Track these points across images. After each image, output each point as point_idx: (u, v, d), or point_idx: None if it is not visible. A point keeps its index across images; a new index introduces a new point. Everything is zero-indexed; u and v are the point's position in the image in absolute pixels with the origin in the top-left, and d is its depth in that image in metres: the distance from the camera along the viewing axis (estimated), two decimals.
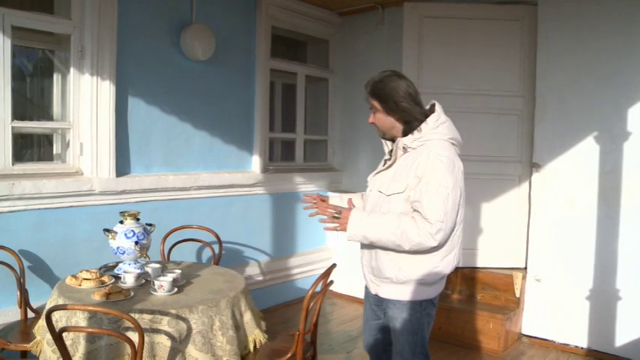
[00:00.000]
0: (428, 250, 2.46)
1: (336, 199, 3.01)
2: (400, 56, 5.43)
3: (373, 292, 2.72)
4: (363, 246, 2.71)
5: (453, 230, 2.49)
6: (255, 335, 2.93)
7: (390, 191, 2.54)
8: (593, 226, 4.39)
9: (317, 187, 5.85)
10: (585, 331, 4.42)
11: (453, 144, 2.56)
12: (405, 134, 2.58)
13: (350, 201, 2.80)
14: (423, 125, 2.53)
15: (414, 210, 2.44)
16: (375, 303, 2.78)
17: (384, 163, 2.71)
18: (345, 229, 2.56)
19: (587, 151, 4.41)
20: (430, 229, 2.38)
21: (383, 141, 2.76)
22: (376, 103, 2.61)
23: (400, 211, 2.49)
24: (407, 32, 4.87)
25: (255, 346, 2.91)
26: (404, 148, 2.56)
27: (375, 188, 2.67)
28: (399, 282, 2.56)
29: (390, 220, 2.46)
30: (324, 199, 2.75)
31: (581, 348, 4.45)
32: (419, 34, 4.84)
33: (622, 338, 4.25)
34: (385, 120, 2.61)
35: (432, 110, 2.59)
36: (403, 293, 2.58)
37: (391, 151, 2.70)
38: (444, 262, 2.55)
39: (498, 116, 4.87)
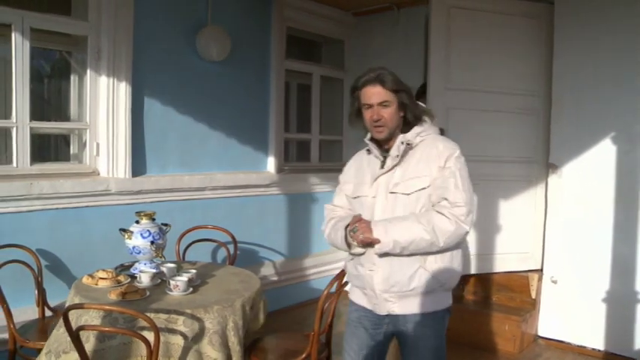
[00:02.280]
0: (462, 239, 2.35)
1: None
2: (414, 57, 5.44)
3: (384, 313, 2.43)
4: (371, 258, 2.40)
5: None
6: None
7: (411, 189, 2.36)
8: (610, 228, 4.34)
9: (332, 188, 5.82)
10: (602, 333, 4.37)
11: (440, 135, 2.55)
12: (403, 131, 2.45)
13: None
14: (424, 120, 2.47)
15: (443, 198, 2.32)
16: (374, 324, 2.50)
17: (382, 166, 2.47)
18: (363, 242, 2.36)
19: (604, 151, 4.36)
20: (459, 212, 2.27)
21: (371, 144, 2.54)
22: (391, 96, 2.39)
23: (420, 210, 2.35)
24: (434, 22, 4.61)
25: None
26: (408, 144, 2.41)
27: (382, 192, 2.43)
28: (426, 291, 2.36)
29: (416, 219, 2.30)
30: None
31: (598, 350, 4.39)
32: (447, 25, 4.63)
33: None
34: (396, 116, 2.42)
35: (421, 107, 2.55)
36: (429, 304, 2.39)
37: (386, 150, 2.48)
38: (463, 259, 2.48)
39: (516, 116, 4.80)
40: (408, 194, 2.36)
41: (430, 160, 2.36)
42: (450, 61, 4.64)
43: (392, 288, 2.37)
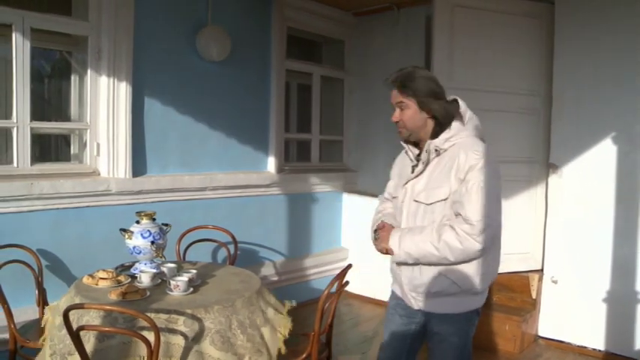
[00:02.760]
0: (475, 255, 2.30)
1: None
2: (415, 56, 5.43)
3: (416, 308, 2.49)
4: (401, 265, 2.49)
5: (498, 229, 2.38)
6: (282, 328, 2.92)
7: (432, 199, 2.36)
8: (610, 228, 4.34)
9: (332, 188, 5.85)
10: (603, 333, 4.37)
11: (482, 139, 2.43)
12: (434, 134, 2.40)
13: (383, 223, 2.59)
14: (453, 123, 2.38)
15: (457, 213, 2.29)
16: (408, 314, 2.57)
17: (412, 170, 2.49)
18: (382, 250, 2.47)
19: (604, 151, 4.36)
20: (471, 231, 2.24)
21: (405, 146, 2.55)
22: (407, 98, 2.39)
23: (441, 221, 2.35)
24: (438, 20, 4.61)
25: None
26: (436, 150, 2.38)
27: (408, 198, 2.46)
28: (449, 294, 2.38)
29: (430, 233, 2.31)
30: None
31: (599, 350, 4.39)
32: (450, 23, 4.63)
33: None
34: (417, 117, 2.39)
35: (455, 106, 2.45)
36: (452, 306, 2.42)
37: (418, 155, 2.49)
38: (492, 267, 2.46)
39: (518, 116, 4.80)
40: (429, 204, 2.37)
41: (452, 170, 2.32)
42: (453, 59, 4.63)
43: (417, 289, 2.45)
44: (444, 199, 2.33)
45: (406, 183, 2.47)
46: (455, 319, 2.44)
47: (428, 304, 2.44)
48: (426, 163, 2.40)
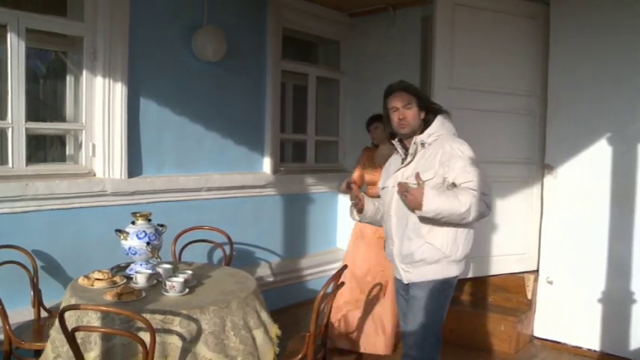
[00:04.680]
0: (483, 218, 2.84)
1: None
2: (410, 57, 5.45)
3: (405, 281, 2.94)
4: (391, 236, 2.97)
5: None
6: (274, 331, 2.94)
7: (419, 181, 2.80)
8: (606, 228, 4.35)
9: (328, 189, 5.85)
10: (598, 333, 4.38)
11: (455, 135, 2.99)
12: (421, 131, 2.93)
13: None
14: (433, 123, 2.93)
15: (471, 189, 2.74)
16: (405, 292, 3.01)
17: (402, 162, 2.99)
18: (416, 205, 2.73)
19: (600, 152, 4.38)
20: (487, 200, 2.78)
21: (395, 143, 3.05)
22: (414, 99, 2.92)
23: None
24: (439, 18, 4.60)
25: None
26: (422, 144, 2.90)
27: (394, 184, 2.93)
28: (431, 262, 2.83)
29: (457, 197, 2.71)
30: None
31: (594, 351, 4.41)
32: (452, 22, 4.61)
33: (636, 341, 4.21)
34: (417, 116, 2.92)
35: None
36: (432, 272, 2.85)
37: (407, 150, 2.98)
38: (467, 239, 2.89)
39: (514, 116, 4.81)
40: (416, 184, 2.77)
41: (437, 157, 2.82)
42: (453, 58, 4.62)
43: (405, 259, 2.90)
44: (429, 180, 2.78)
45: (397, 171, 2.98)
46: (430, 285, 2.85)
47: (413, 274, 2.89)
48: (414, 155, 2.91)
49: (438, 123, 2.93)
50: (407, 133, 2.94)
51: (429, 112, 2.97)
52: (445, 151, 2.81)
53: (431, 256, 2.82)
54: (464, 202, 2.69)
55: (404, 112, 2.91)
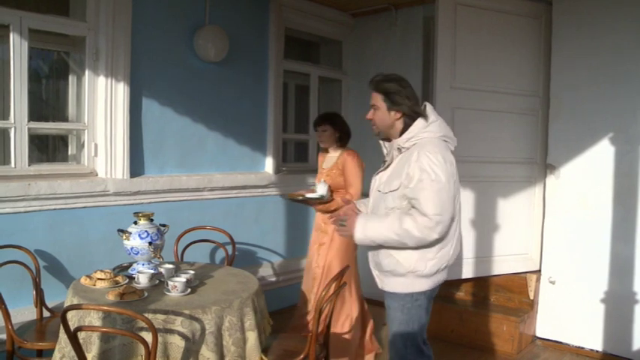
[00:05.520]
0: (431, 244, 2.59)
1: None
2: (412, 57, 5.45)
3: (380, 287, 2.83)
4: (369, 252, 2.85)
5: (452, 220, 2.61)
6: (265, 334, 2.94)
7: (387, 189, 2.69)
8: (608, 228, 4.35)
9: None
10: (600, 334, 4.38)
11: (445, 141, 2.69)
12: (401, 134, 2.71)
13: (352, 205, 2.99)
14: (412, 126, 2.67)
15: (413, 207, 2.57)
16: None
17: (383, 164, 2.84)
18: (351, 235, 2.70)
19: (602, 152, 4.37)
20: (429, 224, 2.50)
21: (381, 142, 2.91)
22: (379, 100, 2.73)
23: (396, 207, 2.64)
24: (442, 18, 4.58)
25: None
26: (399, 148, 2.71)
27: (374, 188, 2.84)
28: (397, 274, 2.68)
29: (392, 222, 2.58)
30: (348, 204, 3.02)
31: (597, 351, 4.40)
32: (454, 22, 4.60)
33: (639, 342, 4.21)
34: (385, 117, 2.74)
35: (424, 111, 2.73)
36: (400, 285, 2.71)
37: (389, 152, 2.83)
38: (439, 255, 2.65)
39: (517, 116, 4.81)
40: (384, 193, 2.71)
41: (405, 165, 2.61)
42: (455, 58, 4.62)
43: (377, 267, 2.79)
44: (395, 190, 2.64)
45: (376, 175, 2.86)
46: (401, 296, 2.72)
47: (385, 282, 2.77)
48: (392, 159, 2.75)
49: (419, 126, 2.65)
50: (378, 134, 2.84)
51: (406, 114, 2.70)
52: (412, 161, 2.58)
53: (396, 269, 2.67)
54: (402, 229, 2.53)
55: (371, 112, 2.79)
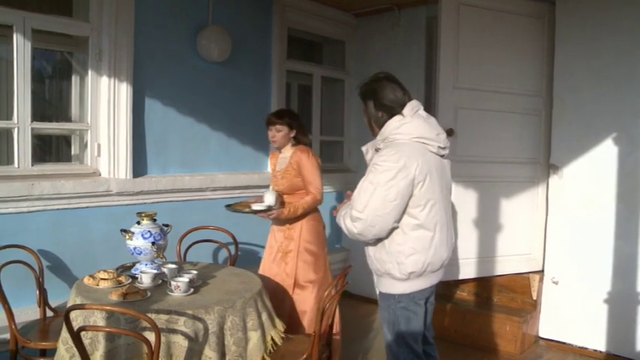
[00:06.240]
0: (359, 238, 2.68)
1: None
2: (415, 57, 5.45)
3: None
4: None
5: (390, 226, 2.61)
6: (272, 335, 2.93)
7: (357, 188, 2.74)
8: (611, 228, 4.34)
9: (333, 189, 5.84)
10: (604, 334, 4.37)
11: (421, 142, 2.65)
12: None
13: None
14: (385, 125, 2.70)
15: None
16: None
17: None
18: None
19: (605, 152, 4.36)
20: (352, 215, 2.62)
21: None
22: (365, 106, 2.81)
23: None
24: (444, 18, 4.57)
25: (273, 347, 2.91)
26: (376, 149, 2.77)
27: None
28: (379, 274, 2.79)
29: (345, 210, 2.72)
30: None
31: (600, 352, 4.39)
32: (457, 22, 4.59)
33: None
34: (366, 119, 2.84)
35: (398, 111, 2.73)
36: (383, 285, 2.79)
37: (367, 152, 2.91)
38: (410, 261, 2.65)
39: (520, 116, 4.80)
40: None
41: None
42: (458, 58, 4.62)
43: (369, 265, 2.86)
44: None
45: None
46: (386, 296, 2.79)
47: (375, 282, 2.87)
48: (371, 159, 2.80)
49: (393, 126, 2.67)
50: (374, 136, 2.85)
51: (376, 114, 2.75)
52: (370, 160, 2.71)
53: (377, 269, 2.76)
54: (340, 216, 2.72)
55: (366, 119, 2.85)
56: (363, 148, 2.92)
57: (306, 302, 3.80)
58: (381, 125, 2.72)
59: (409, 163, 2.55)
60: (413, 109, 2.70)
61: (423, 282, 2.73)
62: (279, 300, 3.65)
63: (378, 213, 2.56)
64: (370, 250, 2.77)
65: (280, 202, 3.80)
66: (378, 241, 2.69)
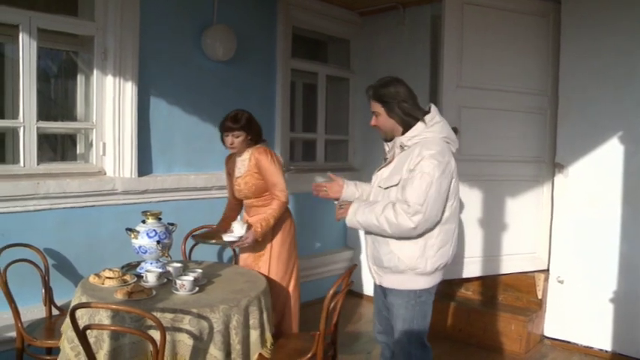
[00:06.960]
0: (409, 233, 2.65)
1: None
2: (420, 56, 5.44)
3: (377, 283, 2.92)
4: (365, 236, 2.95)
5: (438, 219, 2.69)
6: (267, 337, 2.95)
7: (387, 185, 2.78)
8: (617, 227, 4.32)
9: None
10: (609, 333, 4.35)
11: (447, 142, 2.77)
12: (403, 134, 2.80)
13: (338, 180, 3.18)
14: (417, 124, 2.75)
15: (401, 195, 2.69)
16: (382, 293, 2.95)
17: (384, 161, 2.93)
18: (342, 218, 2.88)
19: (610, 151, 4.35)
20: (407, 210, 2.60)
21: (384, 142, 2.98)
22: (378, 107, 2.83)
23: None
24: (448, 17, 4.56)
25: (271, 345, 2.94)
26: (401, 146, 2.79)
27: (376, 184, 2.91)
28: (397, 271, 2.77)
29: (377, 207, 2.71)
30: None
31: (605, 351, 4.38)
32: (461, 20, 4.58)
33: None
34: (387, 122, 2.84)
35: (429, 111, 2.81)
36: (401, 282, 2.79)
37: (391, 149, 2.91)
38: (439, 254, 2.74)
39: (525, 115, 4.78)
40: (385, 189, 2.80)
41: (406, 162, 2.71)
42: (462, 57, 4.60)
43: (374, 264, 2.90)
44: (395, 185, 2.73)
45: (378, 171, 2.94)
46: (404, 293, 2.80)
47: (384, 279, 2.85)
48: (393, 156, 2.84)
49: (422, 126, 2.75)
50: (383, 138, 2.94)
51: (406, 114, 2.79)
52: (413, 157, 2.69)
53: (396, 266, 2.76)
54: (382, 215, 2.66)
55: (374, 119, 2.90)
56: (388, 145, 2.93)
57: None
58: (407, 125, 2.78)
59: (450, 159, 2.71)
60: (435, 110, 2.83)
61: (441, 275, 2.87)
62: (274, 296, 3.58)
63: (436, 206, 2.64)
64: (393, 246, 2.74)
65: (248, 228, 3.60)
66: (421, 236, 2.72)
